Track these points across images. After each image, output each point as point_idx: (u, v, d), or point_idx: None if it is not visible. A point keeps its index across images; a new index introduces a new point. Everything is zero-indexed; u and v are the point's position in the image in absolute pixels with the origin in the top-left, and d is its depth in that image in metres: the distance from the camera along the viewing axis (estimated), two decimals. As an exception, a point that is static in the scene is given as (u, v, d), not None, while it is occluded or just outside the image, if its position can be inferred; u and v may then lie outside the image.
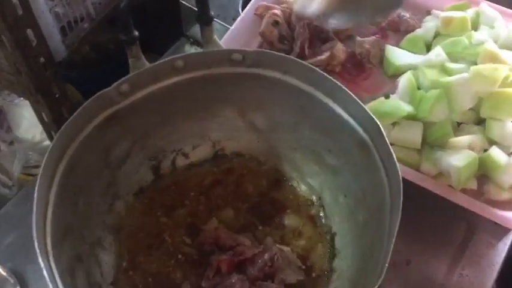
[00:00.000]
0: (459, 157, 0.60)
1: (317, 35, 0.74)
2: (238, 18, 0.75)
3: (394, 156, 0.50)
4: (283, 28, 0.74)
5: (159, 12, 0.98)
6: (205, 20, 0.57)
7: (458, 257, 0.67)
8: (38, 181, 0.47)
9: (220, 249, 0.61)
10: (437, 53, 0.69)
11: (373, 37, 0.76)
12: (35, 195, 0.46)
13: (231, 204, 0.66)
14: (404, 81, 0.68)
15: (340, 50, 0.73)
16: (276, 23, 0.73)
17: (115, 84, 0.54)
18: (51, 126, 0.70)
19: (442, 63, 0.68)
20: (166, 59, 0.56)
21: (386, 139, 0.51)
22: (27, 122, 1.03)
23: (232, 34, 0.72)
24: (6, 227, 0.68)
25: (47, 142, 0.87)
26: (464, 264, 0.67)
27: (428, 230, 0.68)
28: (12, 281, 0.62)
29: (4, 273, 0.62)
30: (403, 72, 0.71)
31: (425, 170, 0.64)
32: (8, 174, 1.05)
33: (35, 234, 0.44)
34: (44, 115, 0.69)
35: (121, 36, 0.55)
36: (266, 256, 0.59)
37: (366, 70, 0.75)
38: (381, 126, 0.52)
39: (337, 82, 0.55)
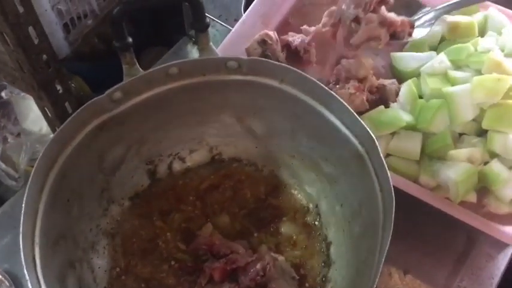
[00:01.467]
0: (457, 170, 0.59)
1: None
2: (239, 22, 0.73)
3: (388, 172, 0.49)
4: (270, 48, 0.71)
5: (164, 10, 0.97)
6: (200, 27, 0.56)
7: (457, 269, 0.67)
8: (26, 191, 0.47)
9: (214, 256, 0.61)
10: (441, 60, 0.67)
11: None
12: (23, 205, 0.46)
13: (227, 210, 0.65)
14: (405, 89, 0.67)
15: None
16: (263, 42, 0.71)
17: (107, 91, 0.53)
18: (54, 121, 0.70)
19: (445, 71, 0.66)
20: (160, 66, 0.55)
21: (381, 153, 0.50)
22: (34, 115, 1.04)
23: (232, 38, 0.71)
24: (4, 227, 0.69)
25: (54, 135, 0.87)
26: (463, 276, 0.66)
27: (427, 240, 0.68)
28: (7, 283, 0.62)
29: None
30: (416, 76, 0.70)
31: (423, 182, 0.63)
32: (14, 166, 1.06)
33: (21, 245, 0.44)
34: (47, 111, 0.69)
35: (114, 43, 0.54)
36: (258, 266, 0.58)
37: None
38: (375, 139, 0.51)
39: (332, 92, 0.54)
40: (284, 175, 0.67)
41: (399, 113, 0.64)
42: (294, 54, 0.72)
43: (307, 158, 0.64)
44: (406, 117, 0.64)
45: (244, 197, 0.66)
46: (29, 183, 0.48)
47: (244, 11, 0.79)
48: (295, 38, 0.71)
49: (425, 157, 0.64)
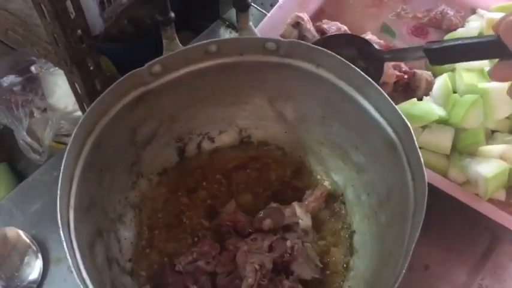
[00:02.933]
0: (488, 167, 0.59)
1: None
2: (275, 6, 0.73)
3: (422, 161, 0.49)
4: (304, 28, 0.71)
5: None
6: (242, 6, 0.56)
7: (479, 267, 0.66)
8: (65, 154, 0.48)
9: (238, 234, 0.62)
10: (478, 56, 0.66)
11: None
12: (62, 168, 0.47)
13: (251, 190, 0.66)
14: (439, 83, 0.66)
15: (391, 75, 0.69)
16: (296, 24, 0.71)
17: (147, 64, 0.54)
18: (83, 97, 0.71)
19: (482, 68, 0.66)
20: (200, 43, 0.55)
21: (416, 143, 0.50)
22: (61, 91, 1.05)
23: (268, 22, 0.71)
24: (33, 195, 0.70)
25: (79, 112, 0.88)
26: (484, 274, 0.66)
27: (450, 236, 0.67)
28: (34, 248, 0.64)
29: (27, 240, 0.64)
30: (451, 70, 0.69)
31: (452, 177, 0.62)
32: (39, 141, 1.08)
33: (58, 207, 0.45)
34: (77, 86, 0.69)
35: (157, 17, 0.55)
36: (288, 243, 0.59)
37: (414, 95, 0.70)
38: (411, 127, 0.51)
39: (370, 79, 0.54)
40: (311, 161, 0.67)
41: (432, 107, 0.64)
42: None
43: (336, 145, 0.64)
44: (439, 111, 0.64)
45: (269, 179, 0.67)
46: (67, 148, 0.49)
47: (281, -4, 0.78)
48: (330, 26, 0.71)
49: (455, 152, 0.64)
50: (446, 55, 0.55)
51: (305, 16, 0.72)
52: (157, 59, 0.54)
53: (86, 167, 0.51)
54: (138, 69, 0.54)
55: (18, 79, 1.12)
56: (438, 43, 0.56)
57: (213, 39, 0.56)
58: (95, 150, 0.53)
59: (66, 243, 0.44)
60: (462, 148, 0.63)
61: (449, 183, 0.61)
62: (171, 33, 0.56)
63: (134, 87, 0.55)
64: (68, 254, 0.43)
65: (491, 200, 0.61)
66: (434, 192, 0.60)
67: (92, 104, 0.51)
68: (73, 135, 0.49)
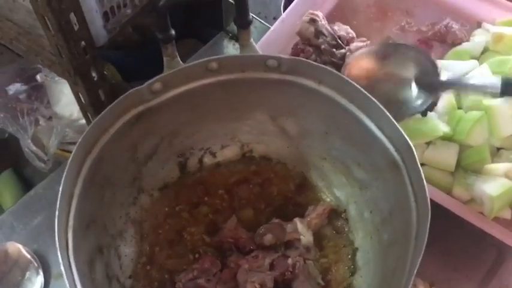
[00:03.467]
0: (494, 185, 0.58)
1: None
2: (278, 20, 0.73)
3: (425, 182, 0.48)
4: (320, 24, 0.71)
5: (202, 3, 0.97)
6: (243, 23, 0.56)
7: (484, 285, 0.65)
8: (64, 173, 0.48)
9: (240, 251, 0.61)
10: (483, 71, 0.66)
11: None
12: (61, 188, 0.47)
13: (253, 205, 0.65)
14: (444, 99, 0.65)
15: None
16: (312, 21, 0.71)
17: (147, 82, 0.54)
18: (87, 107, 0.71)
19: (487, 83, 0.65)
20: (201, 60, 0.55)
21: (418, 163, 0.49)
22: (66, 99, 1.05)
23: (271, 36, 0.70)
24: (35, 209, 0.70)
25: (84, 121, 0.89)
26: (490, 292, 0.65)
27: (455, 253, 0.66)
28: (35, 264, 0.63)
29: (28, 256, 0.64)
30: None
31: (456, 195, 0.62)
32: (44, 149, 1.08)
33: (56, 228, 0.45)
34: (81, 96, 0.69)
35: (157, 35, 0.54)
36: (289, 261, 0.58)
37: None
38: (413, 148, 0.50)
39: (371, 97, 0.53)
40: (313, 176, 0.66)
41: (436, 123, 0.63)
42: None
43: (338, 161, 0.63)
44: (443, 128, 0.63)
45: (272, 194, 0.66)
46: (67, 167, 0.48)
47: (284, 9, 0.78)
48: (340, 28, 0.71)
49: (460, 169, 0.63)
50: None
51: (319, 13, 0.72)
52: (157, 77, 0.54)
53: (86, 185, 0.51)
54: (137, 87, 0.53)
55: (24, 87, 1.12)
56: None
57: (214, 57, 0.55)
58: (95, 167, 0.53)
59: (64, 265, 0.44)
60: (467, 165, 0.62)
61: (454, 201, 0.61)
62: (171, 50, 0.55)
63: (134, 105, 0.54)
64: (65, 276, 0.43)
65: (496, 219, 0.60)
66: (438, 209, 0.59)
67: (92, 123, 0.51)
68: (72, 154, 0.49)
